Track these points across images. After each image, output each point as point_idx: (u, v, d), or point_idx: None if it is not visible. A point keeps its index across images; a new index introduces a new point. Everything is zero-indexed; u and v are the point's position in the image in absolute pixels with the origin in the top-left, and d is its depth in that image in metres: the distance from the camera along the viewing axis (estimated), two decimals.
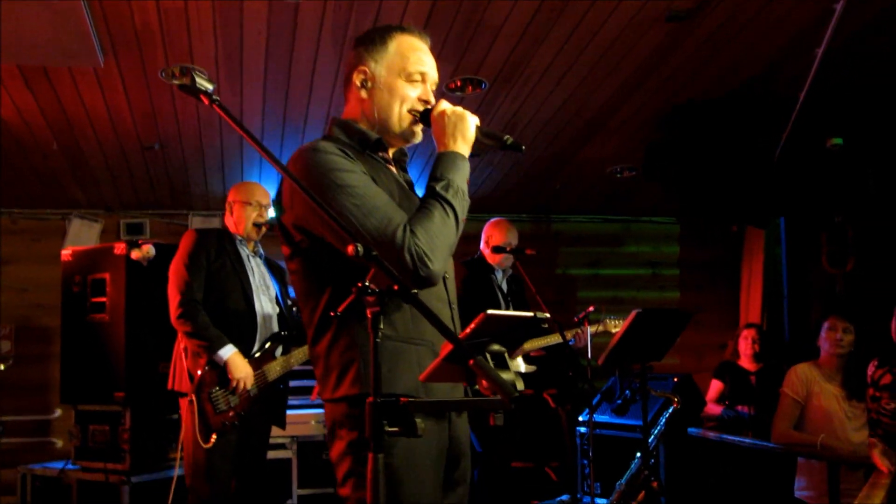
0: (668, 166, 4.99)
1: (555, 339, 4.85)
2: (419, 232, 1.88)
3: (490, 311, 1.60)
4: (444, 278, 2.09)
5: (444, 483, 2.05)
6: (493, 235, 5.13)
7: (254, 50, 4.02)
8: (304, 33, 3.85)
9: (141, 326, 4.93)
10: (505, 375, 1.55)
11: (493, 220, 5.27)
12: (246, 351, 3.97)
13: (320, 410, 5.69)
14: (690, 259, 7.92)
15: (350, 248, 1.55)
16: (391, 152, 2.20)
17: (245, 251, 4.19)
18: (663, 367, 5.29)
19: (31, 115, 4.77)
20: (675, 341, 4.28)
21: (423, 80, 2.14)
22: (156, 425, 4.97)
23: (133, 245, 4.86)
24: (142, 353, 4.92)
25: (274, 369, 4.05)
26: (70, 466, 5.05)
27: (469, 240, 6.38)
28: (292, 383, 4.61)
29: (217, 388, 3.88)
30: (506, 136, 2.08)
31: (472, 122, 2.06)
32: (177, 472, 4.26)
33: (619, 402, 4.82)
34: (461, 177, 2.00)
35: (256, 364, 3.99)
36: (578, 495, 5.30)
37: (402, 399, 1.53)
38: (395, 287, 1.53)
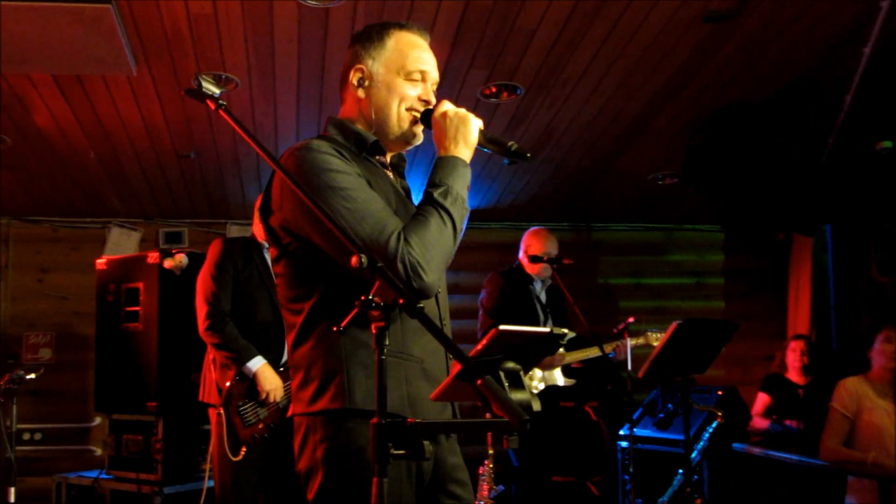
0: (711, 173, 4.86)
1: (594, 351, 4.74)
2: (414, 241, 1.77)
3: (503, 327, 1.50)
4: (436, 293, 1.95)
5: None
6: (532, 245, 5.05)
7: (286, 55, 3.99)
8: (335, 37, 3.80)
9: (174, 336, 4.92)
10: (518, 395, 1.44)
11: (531, 229, 5.19)
12: (275, 362, 3.92)
13: None
14: (735, 268, 7.70)
15: (354, 260, 1.45)
16: (389, 157, 2.11)
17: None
18: (707, 379, 5.13)
19: (67, 124, 4.79)
20: (719, 353, 4.16)
21: (424, 79, 2.05)
22: (188, 435, 4.94)
23: (166, 254, 4.86)
24: (174, 363, 4.90)
25: None
26: (104, 476, 5.06)
27: (507, 248, 6.35)
28: None
29: (246, 400, 3.83)
30: (510, 143, 1.97)
31: (475, 125, 1.96)
32: (206, 483, 4.23)
33: (661, 415, 4.73)
34: (461, 183, 1.89)
35: (285, 376, 3.93)
36: None
37: (408, 420, 1.43)
38: (401, 301, 1.43)
